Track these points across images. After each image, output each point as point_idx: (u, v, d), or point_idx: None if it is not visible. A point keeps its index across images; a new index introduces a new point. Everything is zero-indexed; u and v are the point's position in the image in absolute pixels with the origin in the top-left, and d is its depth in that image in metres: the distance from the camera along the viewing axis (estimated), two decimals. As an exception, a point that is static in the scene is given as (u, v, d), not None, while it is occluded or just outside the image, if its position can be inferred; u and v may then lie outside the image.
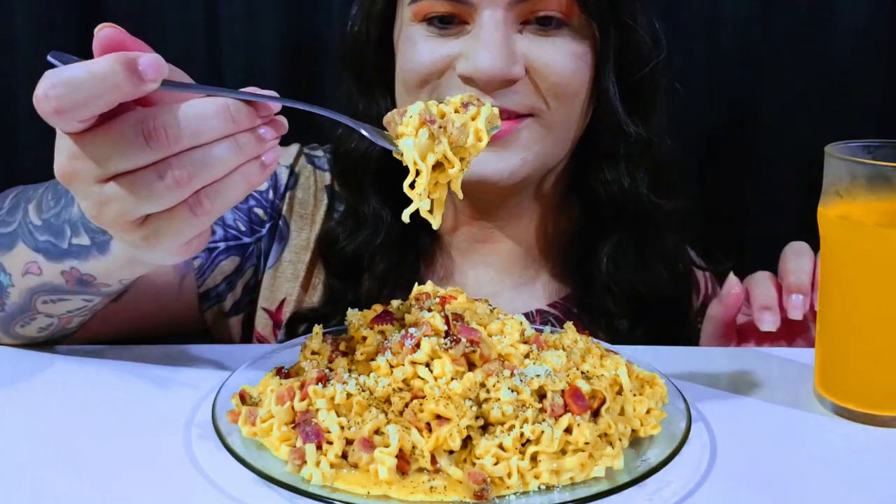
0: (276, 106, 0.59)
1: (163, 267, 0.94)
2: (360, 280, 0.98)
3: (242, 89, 0.58)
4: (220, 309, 1.01)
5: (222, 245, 0.99)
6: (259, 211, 1.01)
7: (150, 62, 0.54)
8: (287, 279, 1.01)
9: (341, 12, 1.34)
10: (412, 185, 0.66)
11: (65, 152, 0.57)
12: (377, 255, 0.98)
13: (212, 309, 1.01)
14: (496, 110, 0.69)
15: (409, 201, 0.68)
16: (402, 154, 0.66)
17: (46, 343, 0.85)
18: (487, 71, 0.86)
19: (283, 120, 0.60)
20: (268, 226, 1.01)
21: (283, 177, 1.03)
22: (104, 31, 0.56)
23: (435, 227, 0.67)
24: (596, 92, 0.94)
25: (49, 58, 0.56)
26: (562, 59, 0.89)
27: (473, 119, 0.67)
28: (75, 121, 0.55)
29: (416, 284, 0.77)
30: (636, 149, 0.96)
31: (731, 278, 0.92)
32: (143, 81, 0.54)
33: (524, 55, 0.88)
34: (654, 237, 1.00)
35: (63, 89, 0.53)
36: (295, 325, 0.99)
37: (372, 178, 0.98)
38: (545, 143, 0.92)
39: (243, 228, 1.00)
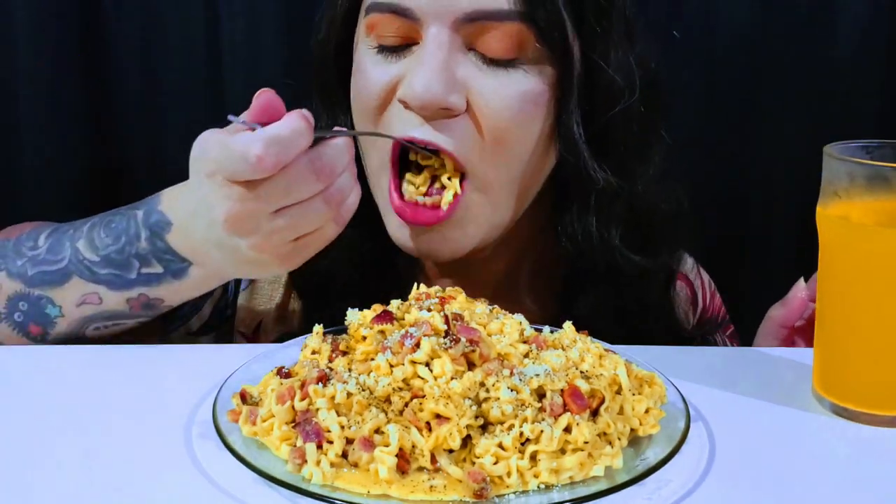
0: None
1: None
2: (333, 301, 0.88)
3: (333, 129, 0.74)
4: (186, 330, 0.98)
5: None
6: None
7: (311, 115, 0.68)
8: (262, 303, 0.99)
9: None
10: None
11: (238, 198, 0.68)
12: (351, 276, 0.92)
13: (178, 331, 0.97)
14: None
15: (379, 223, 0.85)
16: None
17: (46, 343, 0.85)
18: (421, 96, 0.78)
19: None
20: None
21: None
22: (265, 97, 0.69)
23: None
24: (558, 134, 0.83)
25: (231, 118, 0.69)
26: (508, 95, 0.79)
27: None
28: (277, 170, 0.66)
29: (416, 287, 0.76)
30: (605, 199, 0.85)
31: (800, 283, 0.89)
32: (313, 132, 0.68)
33: (467, 85, 0.80)
34: (633, 294, 0.91)
35: (278, 147, 0.65)
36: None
37: None
38: (489, 212, 0.84)
39: None
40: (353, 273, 0.94)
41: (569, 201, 0.87)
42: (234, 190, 0.68)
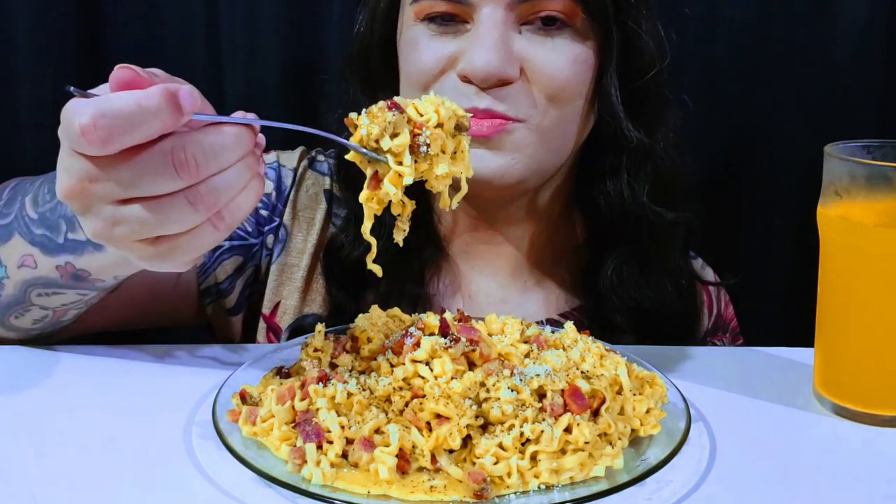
0: (258, 125, 0.62)
1: None
2: (363, 291, 0.96)
3: (234, 115, 0.62)
4: (221, 306, 1.01)
5: (226, 244, 0.99)
6: (264, 212, 1.01)
7: (188, 95, 0.56)
8: (284, 283, 1.01)
9: (341, 13, 1.34)
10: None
11: (76, 173, 0.58)
12: (380, 260, 0.96)
13: (212, 304, 1.01)
14: (463, 114, 0.68)
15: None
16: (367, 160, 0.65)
17: (46, 342, 0.85)
18: (483, 69, 0.84)
19: (263, 137, 0.64)
20: (272, 226, 1.01)
21: (287, 180, 1.03)
22: (120, 73, 0.58)
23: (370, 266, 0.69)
24: (597, 97, 0.92)
25: (70, 89, 0.57)
26: (560, 61, 0.88)
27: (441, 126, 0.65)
28: (114, 150, 0.56)
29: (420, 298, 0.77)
30: (637, 157, 0.94)
31: None
32: (182, 115, 0.56)
33: (521, 56, 0.87)
34: (657, 250, 0.98)
35: (112, 120, 0.54)
36: (298, 334, 0.98)
37: None
38: (537, 149, 0.90)
39: (250, 229, 1.00)
40: (382, 264, 0.94)
41: (603, 162, 0.95)
42: (75, 163, 0.58)
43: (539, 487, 0.59)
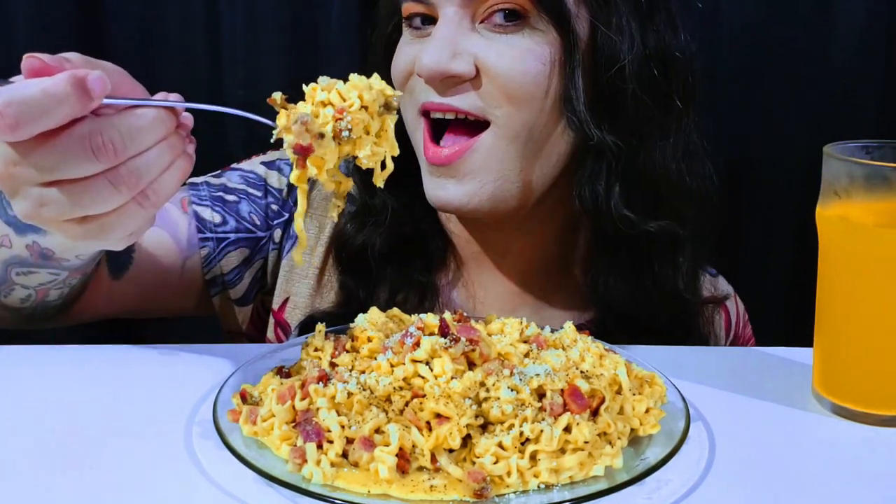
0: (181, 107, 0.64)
1: (161, 247, 0.95)
2: (372, 278, 0.97)
3: (156, 96, 0.64)
4: (227, 296, 1.02)
5: (233, 236, 0.99)
6: (275, 206, 1.01)
7: (97, 80, 0.58)
8: (294, 278, 1.02)
9: (341, 13, 1.34)
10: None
11: (1, 158, 0.60)
12: (385, 246, 0.97)
13: (219, 296, 1.01)
14: (391, 93, 0.69)
15: (413, 191, 0.81)
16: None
17: (46, 342, 0.85)
18: (427, 66, 0.84)
19: (190, 116, 0.66)
20: (281, 220, 1.02)
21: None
22: (28, 62, 0.59)
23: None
24: (562, 95, 0.87)
25: None
26: (512, 56, 0.85)
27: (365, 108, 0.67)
28: (25, 136, 0.57)
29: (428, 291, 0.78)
30: (608, 159, 0.88)
31: None
32: (92, 99, 0.58)
33: (474, 54, 0.86)
34: (639, 259, 0.94)
35: (18, 107, 0.56)
36: (308, 329, 0.97)
37: None
38: (505, 159, 0.87)
39: (258, 222, 1.01)
40: (387, 251, 0.97)
41: (580, 164, 0.92)
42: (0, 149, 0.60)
43: (539, 487, 0.59)
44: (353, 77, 0.68)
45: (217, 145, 1.39)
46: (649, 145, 0.90)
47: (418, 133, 0.91)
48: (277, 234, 1.01)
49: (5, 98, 0.56)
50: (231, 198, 1.00)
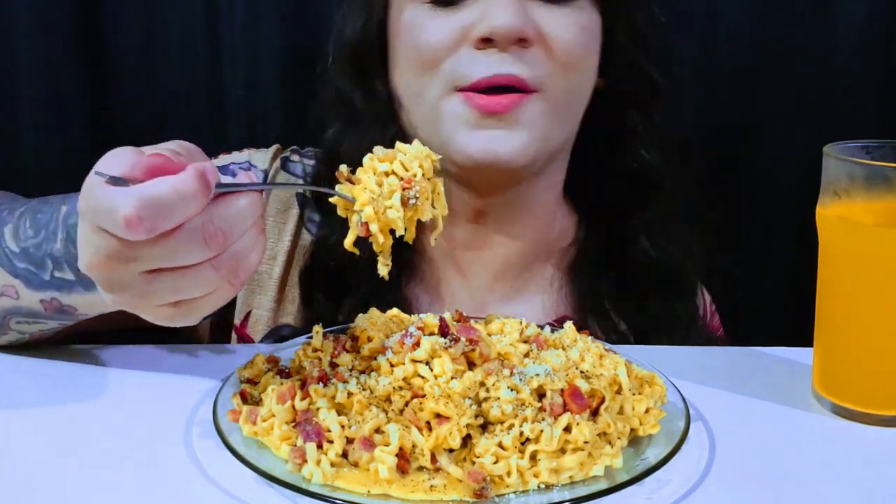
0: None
1: None
2: (342, 297, 0.94)
3: (238, 177, 0.69)
4: None
5: None
6: None
7: (211, 172, 0.59)
8: (254, 290, 0.98)
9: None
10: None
11: (104, 250, 0.59)
12: (359, 267, 0.89)
13: None
14: (435, 157, 0.70)
15: None
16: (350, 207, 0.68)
17: (45, 342, 0.85)
18: (508, 24, 0.84)
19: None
20: None
21: (257, 181, 1.00)
22: (152, 160, 0.59)
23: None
24: (608, 58, 0.95)
25: (99, 172, 0.58)
26: (573, 28, 0.89)
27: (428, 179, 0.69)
28: (155, 234, 0.57)
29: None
30: (654, 99, 0.98)
31: None
32: (210, 192, 0.58)
33: (536, 21, 0.87)
34: (665, 215, 1.01)
35: (155, 210, 0.56)
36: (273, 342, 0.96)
37: None
38: (549, 121, 0.90)
39: None
40: (362, 263, 0.92)
41: (609, 122, 0.98)
42: (102, 241, 0.59)
43: (539, 487, 0.59)
44: (401, 146, 0.69)
45: (218, 144, 1.39)
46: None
47: (449, 102, 0.88)
48: None
49: (141, 201, 0.56)
50: None
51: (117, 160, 0.60)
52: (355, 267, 0.91)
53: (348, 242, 0.68)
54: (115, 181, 0.57)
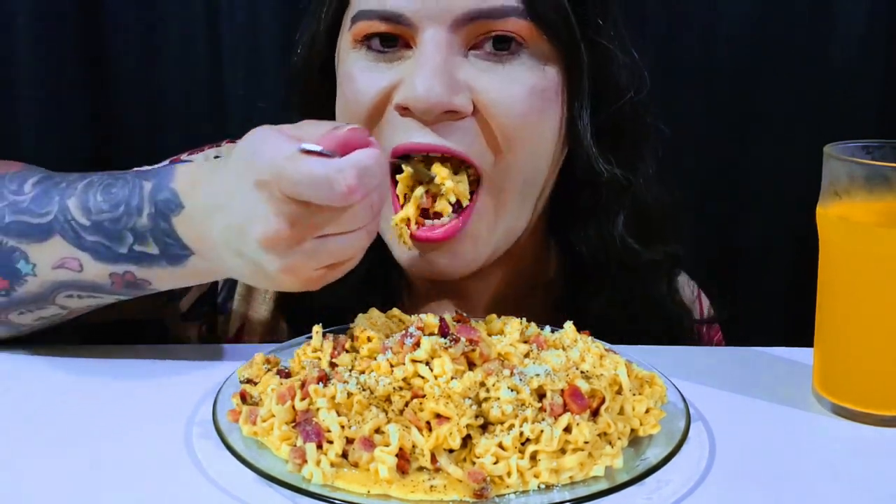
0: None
1: None
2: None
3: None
4: (175, 309, 0.95)
5: None
6: None
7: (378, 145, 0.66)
8: (254, 301, 0.97)
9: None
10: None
11: (285, 218, 0.63)
12: (340, 297, 0.85)
13: (169, 305, 0.94)
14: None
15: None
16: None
17: (45, 342, 0.85)
18: (424, 97, 0.74)
19: None
20: None
21: None
22: (348, 134, 0.65)
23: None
24: (567, 130, 0.82)
25: (304, 146, 0.63)
26: (516, 91, 0.77)
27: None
28: (363, 200, 0.64)
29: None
30: (614, 194, 0.85)
31: None
32: (387, 167, 0.70)
33: (470, 86, 0.77)
34: (641, 288, 0.91)
35: (366, 180, 0.62)
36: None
37: None
38: (501, 219, 0.81)
39: None
40: (343, 292, 0.85)
41: (578, 200, 0.87)
42: (288, 209, 0.63)
43: (539, 487, 0.59)
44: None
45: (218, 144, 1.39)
46: (637, 173, 0.87)
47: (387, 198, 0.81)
48: None
49: (358, 171, 0.61)
50: None
51: (313, 134, 0.64)
52: (333, 297, 0.85)
53: (403, 216, 0.78)
54: (319, 153, 0.63)
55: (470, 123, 0.78)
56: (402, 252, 0.83)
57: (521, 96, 0.78)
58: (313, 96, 0.89)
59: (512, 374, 0.64)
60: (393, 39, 0.79)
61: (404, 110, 0.78)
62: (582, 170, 0.84)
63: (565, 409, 0.62)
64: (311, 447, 0.59)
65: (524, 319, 0.77)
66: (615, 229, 0.87)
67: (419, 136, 0.78)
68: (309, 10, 0.90)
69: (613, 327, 0.84)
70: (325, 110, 0.87)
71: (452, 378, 0.63)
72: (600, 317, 0.88)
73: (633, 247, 0.87)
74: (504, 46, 0.78)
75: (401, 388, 0.63)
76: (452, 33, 0.76)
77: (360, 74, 0.80)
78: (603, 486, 0.58)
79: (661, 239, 0.90)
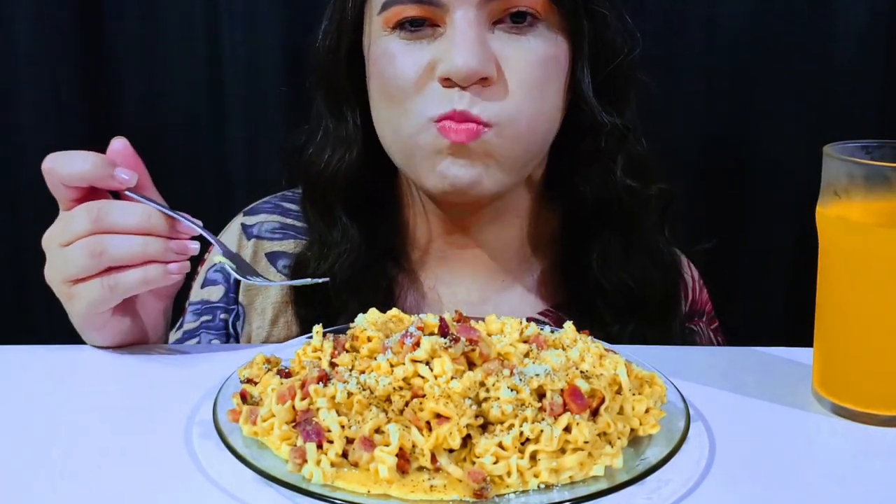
0: (196, 232, 0.78)
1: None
2: (331, 307, 0.96)
3: (183, 213, 0.77)
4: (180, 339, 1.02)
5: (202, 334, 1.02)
6: (223, 316, 1.02)
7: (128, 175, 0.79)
8: (252, 315, 1.02)
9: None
10: None
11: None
12: (347, 278, 0.96)
13: (174, 333, 1.01)
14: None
15: (378, 220, 0.90)
16: None
17: (46, 342, 0.85)
18: (465, 68, 0.84)
19: (195, 245, 0.78)
20: (232, 315, 1.02)
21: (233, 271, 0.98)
22: (116, 144, 0.82)
23: None
24: (571, 89, 0.93)
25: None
26: (534, 58, 0.88)
27: None
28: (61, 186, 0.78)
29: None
30: (613, 141, 0.95)
31: None
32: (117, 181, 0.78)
33: (497, 55, 0.87)
34: (638, 228, 1.00)
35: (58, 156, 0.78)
36: None
37: (342, 198, 0.98)
38: (511, 151, 0.89)
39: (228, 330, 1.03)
40: (349, 277, 0.96)
41: (581, 148, 0.96)
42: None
43: (539, 487, 0.59)
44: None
45: (218, 143, 1.39)
46: (631, 121, 0.97)
47: (427, 135, 0.88)
48: (238, 324, 1.03)
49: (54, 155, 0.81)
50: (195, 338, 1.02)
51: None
52: (340, 285, 0.96)
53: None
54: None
55: (496, 87, 0.87)
56: (444, 170, 0.89)
57: (540, 63, 0.89)
58: (342, 80, 0.97)
59: (512, 373, 0.64)
60: (420, 21, 0.88)
61: (447, 81, 0.86)
62: (586, 122, 0.94)
63: (565, 408, 0.62)
64: (311, 447, 0.59)
65: (524, 320, 0.77)
66: (617, 169, 0.97)
67: (457, 102, 0.86)
68: (330, 2, 0.98)
69: (614, 279, 0.97)
70: (350, 98, 0.97)
71: (452, 378, 0.63)
72: (601, 268, 0.98)
73: (631, 184, 0.97)
74: (521, 20, 0.88)
75: (401, 388, 0.63)
76: (479, 10, 0.86)
77: (400, 54, 0.89)
78: (603, 485, 0.59)
79: (654, 179, 1.00)
